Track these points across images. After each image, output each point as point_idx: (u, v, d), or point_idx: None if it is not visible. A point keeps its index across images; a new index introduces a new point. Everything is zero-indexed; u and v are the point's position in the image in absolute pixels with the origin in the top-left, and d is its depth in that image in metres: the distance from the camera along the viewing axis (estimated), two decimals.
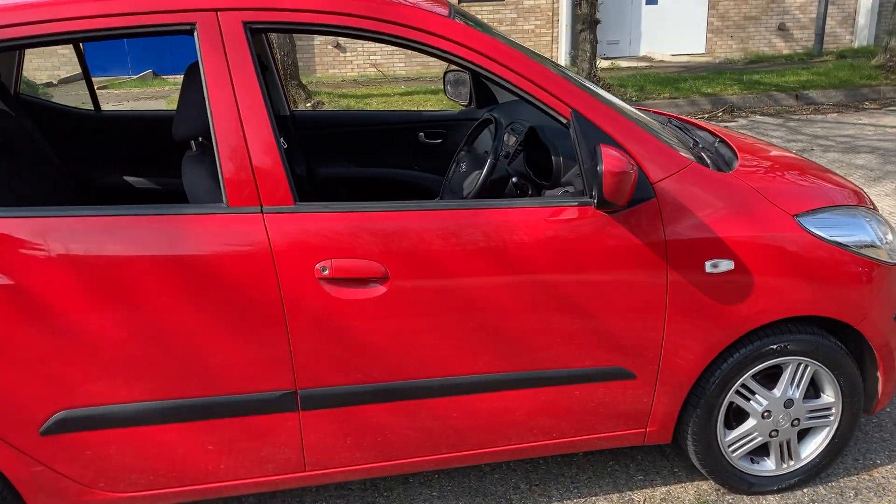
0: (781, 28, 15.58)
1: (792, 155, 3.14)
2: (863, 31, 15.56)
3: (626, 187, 2.17)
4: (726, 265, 2.43)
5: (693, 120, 3.39)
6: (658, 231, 2.39)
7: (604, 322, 2.43)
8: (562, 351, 2.44)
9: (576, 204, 2.36)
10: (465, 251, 2.29)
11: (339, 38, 14.12)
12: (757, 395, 2.67)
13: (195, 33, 2.20)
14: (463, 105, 4.00)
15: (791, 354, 2.60)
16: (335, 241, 2.23)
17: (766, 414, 2.68)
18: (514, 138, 3.03)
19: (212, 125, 2.19)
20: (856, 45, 15.47)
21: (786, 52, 15.43)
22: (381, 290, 2.27)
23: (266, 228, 2.20)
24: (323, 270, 2.22)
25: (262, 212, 2.22)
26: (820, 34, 14.58)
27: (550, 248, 2.34)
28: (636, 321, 2.45)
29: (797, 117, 9.67)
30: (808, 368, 2.65)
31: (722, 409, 2.64)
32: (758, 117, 9.74)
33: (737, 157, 2.78)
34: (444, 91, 4.08)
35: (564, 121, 2.36)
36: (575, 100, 2.36)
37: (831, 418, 2.75)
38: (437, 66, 14.05)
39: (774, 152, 3.04)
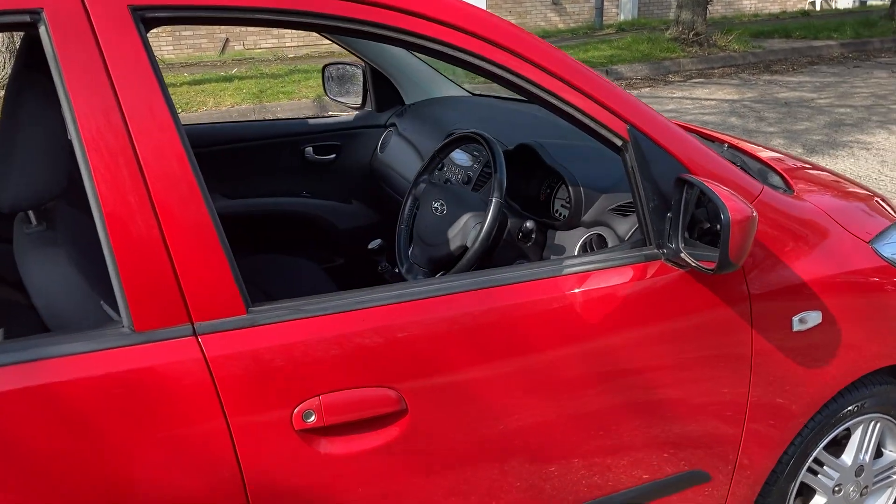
0: (555, 2, 15.79)
1: (800, 158, 2.63)
2: (626, 5, 16.30)
3: (750, 241, 1.50)
4: (814, 319, 1.84)
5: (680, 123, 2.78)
6: (740, 284, 1.74)
7: (681, 415, 1.75)
8: (638, 462, 1.73)
9: (642, 260, 1.65)
10: (511, 349, 1.50)
11: None
12: (826, 468, 2.13)
13: (41, 28, 1.19)
14: (353, 107, 3.12)
15: (866, 413, 2.08)
16: (320, 363, 1.35)
17: (837, 489, 2.14)
18: (477, 159, 2.24)
19: (88, 178, 1.20)
20: (621, 17, 16.11)
21: (561, 26, 15.68)
22: (395, 429, 1.42)
23: (206, 361, 1.26)
24: (307, 417, 1.33)
25: (194, 333, 1.27)
26: (600, 7, 15.10)
27: (623, 329, 1.62)
28: (716, 406, 1.80)
29: None
30: (878, 425, 2.15)
31: (793, 494, 2.08)
32: None
33: (776, 171, 2.20)
34: (325, 89, 3.17)
35: (619, 142, 1.62)
36: (632, 112, 1.64)
37: (894, 477, 2.29)
38: (211, 49, 12.48)
39: (791, 161, 2.51)
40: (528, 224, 1.86)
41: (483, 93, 3.12)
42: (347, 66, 3.11)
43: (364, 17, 1.39)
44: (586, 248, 1.89)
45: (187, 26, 11.76)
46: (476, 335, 1.48)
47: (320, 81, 3.16)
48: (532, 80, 1.54)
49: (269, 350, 1.31)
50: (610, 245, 1.84)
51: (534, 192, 2.20)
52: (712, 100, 9.00)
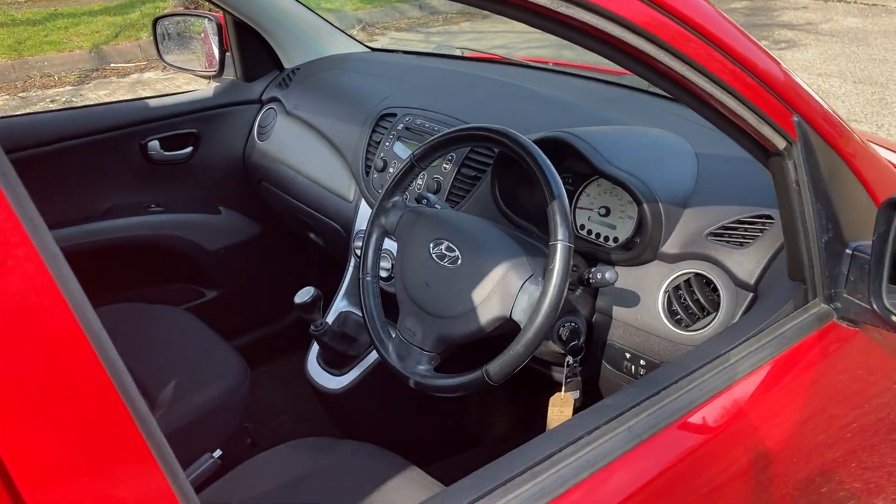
0: None
1: None
2: None
3: None
4: None
5: None
6: None
7: None
8: None
9: (815, 325, 1.07)
10: None
11: None
12: None
13: None
14: (206, 76, 2.22)
15: None
16: None
17: None
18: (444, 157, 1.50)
19: None
20: None
21: None
22: None
23: None
24: None
25: None
26: None
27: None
28: None
29: (433, 30, 8.99)
30: None
31: None
32: (394, 33, 8.82)
33: None
34: (158, 52, 2.21)
35: (781, 144, 1.00)
36: (796, 94, 1.01)
37: None
38: None
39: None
40: (608, 274, 1.17)
41: (385, 47, 2.33)
42: (191, 19, 2.19)
43: None
44: (672, 300, 1.26)
45: None
46: None
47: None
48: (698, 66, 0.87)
49: None
50: (722, 293, 1.21)
51: (537, 198, 1.52)
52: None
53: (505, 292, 1.18)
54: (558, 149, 1.32)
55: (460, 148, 1.40)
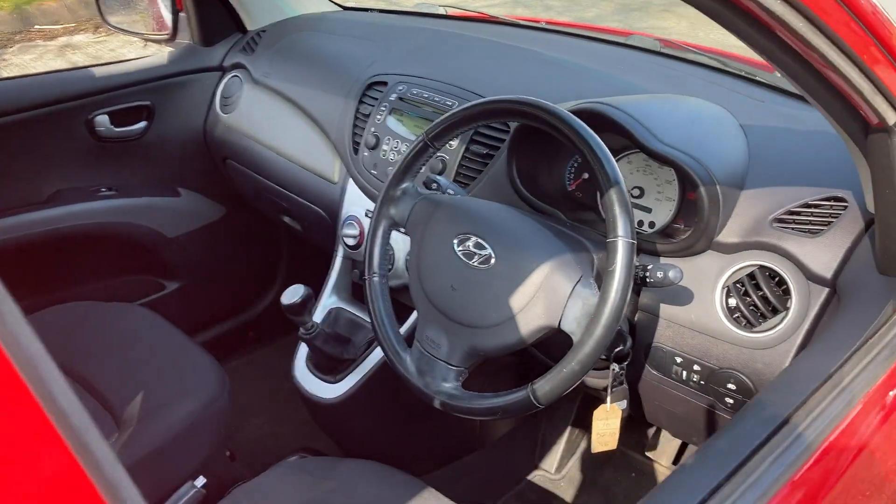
0: None
1: None
2: None
3: None
4: None
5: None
6: None
7: None
8: None
9: None
10: None
11: None
12: None
13: None
14: (157, 40, 1.96)
15: None
16: None
17: None
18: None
19: None
20: None
21: None
22: None
23: None
24: None
25: None
26: None
27: None
28: None
29: None
30: None
31: None
32: None
33: None
34: (100, 12, 1.94)
35: (893, 119, 0.84)
36: None
37: None
38: None
39: None
40: (672, 273, 1.00)
41: (359, 6, 2.09)
42: None
43: None
44: (733, 297, 1.09)
45: None
46: None
47: None
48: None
49: None
50: (793, 288, 1.05)
51: (557, 178, 1.34)
52: None
53: (551, 298, 0.99)
54: (593, 123, 1.14)
55: (484, 124, 1.20)
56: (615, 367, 1.11)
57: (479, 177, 1.36)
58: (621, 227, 0.94)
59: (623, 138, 1.14)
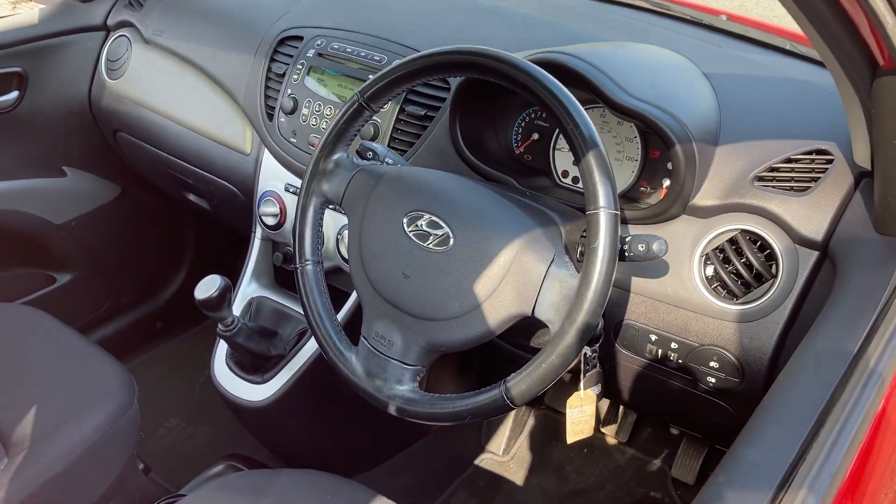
0: None
1: None
2: None
3: None
4: None
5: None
6: None
7: None
8: None
9: None
10: None
11: None
12: None
13: None
14: None
15: None
16: None
17: None
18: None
19: None
20: None
21: None
22: None
23: None
24: None
25: None
26: None
27: None
28: None
29: None
30: None
31: None
32: None
33: None
34: None
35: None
36: None
37: None
38: None
39: None
40: (656, 246, 0.87)
41: None
42: None
43: None
44: (713, 266, 0.99)
45: None
46: None
47: None
48: None
49: None
50: (780, 254, 0.95)
51: (504, 141, 1.19)
52: None
53: (523, 282, 0.85)
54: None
55: (429, 79, 1.04)
56: (587, 350, 0.98)
57: (418, 142, 1.21)
58: (602, 196, 0.80)
59: (581, 92, 1.00)
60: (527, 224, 0.89)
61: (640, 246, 0.87)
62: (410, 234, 0.91)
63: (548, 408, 1.77)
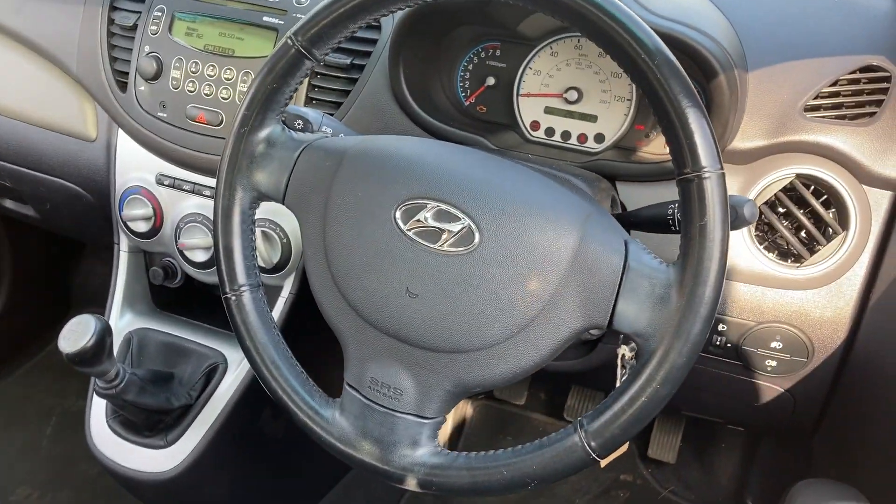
0: None
1: None
2: None
3: None
4: None
5: None
6: None
7: None
8: None
9: None
10: None
11: None
12: None
13: None
14: None
15: None
16: None
17: None
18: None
19: None
20: None
21: None
22: None
23: None
24: None
25: None
26: None
27: None
28: None
29: None
30: None
31: None
32: None
33: None
34: None
35: None
36: None
37: None
38: None
39: None
40: (746, 210, 0.64)
41: None
42: None
43: None
44: (765, 222, 0.79)
45: None
46: None
47: None
48: None
49: None
50: (848, 200, 0.76)
51: (451, 90, 0.92)
52: None
53: (591, 282, 0.59)
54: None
55: (394, 11, 0.73)
56: (625, 351, 0.75)
57: (347, 101, 0.90)
58: (704, 152, 0.55)
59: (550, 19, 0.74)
60: (572, 202, 0.64)
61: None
62: (410, 234, 0.62)
63: (488, 398, 1.55)
